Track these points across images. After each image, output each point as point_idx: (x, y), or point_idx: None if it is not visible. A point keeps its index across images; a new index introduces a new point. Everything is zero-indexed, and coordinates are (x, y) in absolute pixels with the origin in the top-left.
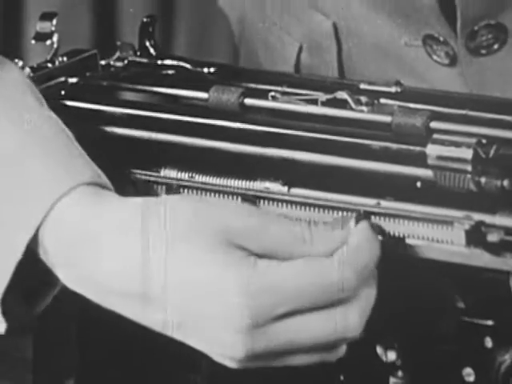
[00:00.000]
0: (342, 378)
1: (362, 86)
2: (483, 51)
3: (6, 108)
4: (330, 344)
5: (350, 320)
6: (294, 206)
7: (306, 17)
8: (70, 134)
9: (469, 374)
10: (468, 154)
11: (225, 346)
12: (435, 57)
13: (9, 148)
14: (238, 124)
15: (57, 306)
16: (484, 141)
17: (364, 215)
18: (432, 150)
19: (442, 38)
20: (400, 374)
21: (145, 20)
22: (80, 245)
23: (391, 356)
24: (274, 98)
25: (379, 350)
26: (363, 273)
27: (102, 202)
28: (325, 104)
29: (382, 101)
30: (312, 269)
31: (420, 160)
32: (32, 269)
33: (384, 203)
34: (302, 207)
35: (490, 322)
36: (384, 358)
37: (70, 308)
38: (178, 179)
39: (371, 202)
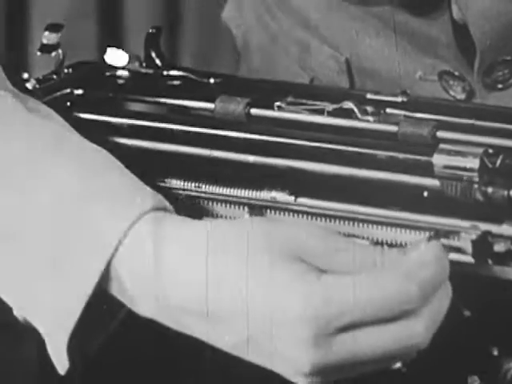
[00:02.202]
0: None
1: (369, 96)
2: (499, 86)
3: (61, 147)
4: (394, 356)
5: (415, 333)
6: (300, 216)
7: (317, 51)
8: (120, 164)
9: (475, 381)
10: (475, 163)
11: (290, 361)
12: (452, 92)
13: (72, 186)
14: (244, 134)
15: None
16: (491, 150)
17: (435, 236)
18: (438, 159)
19: (457, 73)
20: (405, 381)
21: (150, 31)
22: (155, 271)
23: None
24: (280, 108)
25: None
26: (427, 287)
27: (171, 226)
28: (331, 114)
29: (388, 110)
30: (375, 281)
31: (427, 170)
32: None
33: (390, 213)
34: (309, 217)
35: (496, 330)
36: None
37: None
38: (184, 189)
39: (377, 211)
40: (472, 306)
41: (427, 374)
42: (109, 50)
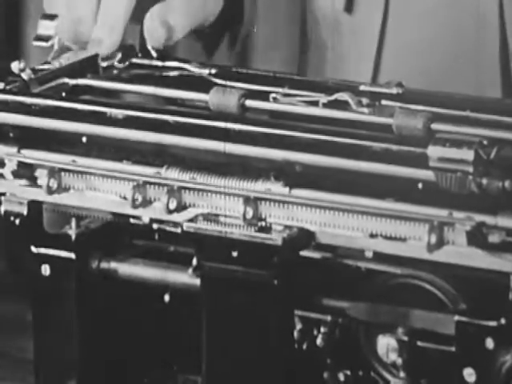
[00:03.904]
0: (342, 378)
1: (363, 88)
2: None
3: None
4: None
5: None
6: (295, 207)
7: None
8: None
9: (470, 374)
10: (469, 155)
11: None
12: None
13: None
14: (239, 125)
15: (58, 306)
16: (485, 142)
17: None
18: (433, 151)
19: None
20: (401, 374)
21: None
22: None
23: (392, 356)
24: (275, 99)
25: (380, 350)
26: None
27: None
28: (326, 106)
29: (384, 102)
30: None
31: (421, 161)
32: None
33: (385, 204)
34: (304, 208)
35: (491, 323)
36: (385, 358)
37: (71, 308)
38: (179, 180)
39: (372, 202)
40: (468, 298)
41: (423, 367)
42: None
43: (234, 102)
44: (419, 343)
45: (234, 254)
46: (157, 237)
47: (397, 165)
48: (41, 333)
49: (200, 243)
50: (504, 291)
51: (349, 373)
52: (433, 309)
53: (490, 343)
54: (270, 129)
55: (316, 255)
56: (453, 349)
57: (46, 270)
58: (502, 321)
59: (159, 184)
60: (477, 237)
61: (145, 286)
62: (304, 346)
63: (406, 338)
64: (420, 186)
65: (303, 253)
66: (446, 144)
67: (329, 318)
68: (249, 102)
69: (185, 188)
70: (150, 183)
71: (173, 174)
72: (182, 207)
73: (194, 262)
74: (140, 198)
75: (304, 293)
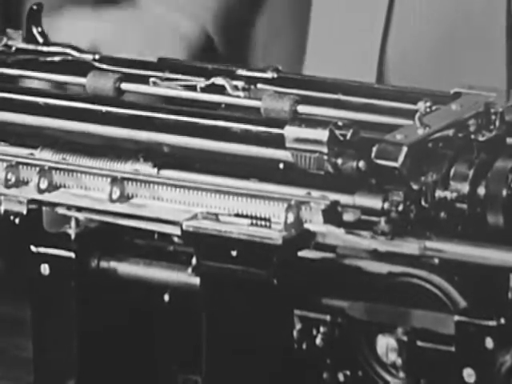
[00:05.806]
0: (341, 378)
1: (240, 72)
2: None
3: None
4: None
5: None
6: (163, 188)
7: None
8: None
9: (469, 374)
10: (324, 135)
11: None
12: None
13: None
14: (108, 107)
15: (57, 305)
16: (340, 123)
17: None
18: (289, 131)
19: None
20: (401, 374)
21: (34, 7)
22: None
23: (392, 356)
24: (155, 83)
25: (380, 350)
26: None
27: None
28: (204, 90)
29: (259, 86)
30: None
31: (282, 142)
32: None
33: (246, 184)
34: (172, 189)
35: (491, 323)
36: (385, 358)
37: (71, 307)
38: (51, 161)
39: (237, 183)
40: (467, 297)
41: (423, 367)
42: None
43: (110, 85)
44: (419, 343)
45: (234, 253)
46: (156, 236)
47: (259, 146)
48: (40, 332)
49: (199, 242)
50: (504, 290)
51: (348, 373)
52: (432, 308)
53: (489, 343)
54: (138, 111)
55: (316, 255)
56: (452, 349)
57: (45, 269)
58: (502, 321)
59: (30, 164)
60: (332, 215)
61: (144, 286)
62: (303, 346)
63: (405, 338)
64: (281, 166)
65: (303, 252)
66: (302, 125)
67: (328, 317)
68: (124, 86)
69: (55, 168)
70: (23, 164)
71: (46, 155)
72: (53, 187)
73: (194, 261)
74: (13, 179)
75: (303, 292)
